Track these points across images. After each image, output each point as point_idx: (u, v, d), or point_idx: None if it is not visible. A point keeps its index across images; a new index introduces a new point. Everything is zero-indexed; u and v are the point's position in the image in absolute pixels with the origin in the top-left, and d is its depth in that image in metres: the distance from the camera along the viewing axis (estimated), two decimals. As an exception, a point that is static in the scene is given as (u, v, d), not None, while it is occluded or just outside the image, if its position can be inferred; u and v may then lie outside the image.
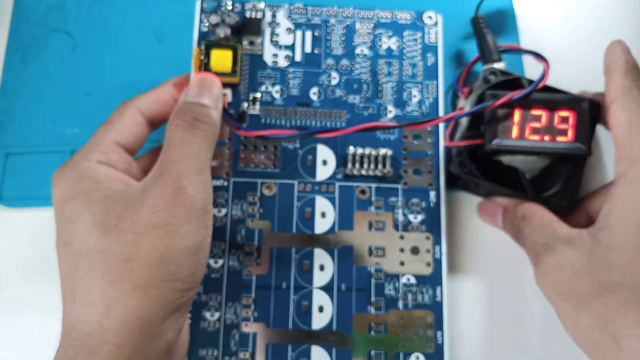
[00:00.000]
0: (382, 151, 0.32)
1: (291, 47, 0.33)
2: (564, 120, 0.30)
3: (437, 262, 0.31)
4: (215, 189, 0.31)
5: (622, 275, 0.26)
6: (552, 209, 0.30)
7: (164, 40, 0.36)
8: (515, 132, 0.30)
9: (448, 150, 0.32)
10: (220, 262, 0.31)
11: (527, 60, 0.37)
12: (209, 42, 0.31)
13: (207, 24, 0.33)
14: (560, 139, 0.30)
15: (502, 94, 0.30)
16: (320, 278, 0.31)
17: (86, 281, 0.24)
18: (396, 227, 0.32)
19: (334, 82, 0.33)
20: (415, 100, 0.33)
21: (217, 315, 0.30)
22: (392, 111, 0.33)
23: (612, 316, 0.25)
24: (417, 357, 0.30)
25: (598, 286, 0.26)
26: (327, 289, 0.31)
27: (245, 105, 0.32)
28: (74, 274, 0.24)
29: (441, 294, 0.31)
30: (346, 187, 0.32)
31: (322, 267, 0.31)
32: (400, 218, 0.32)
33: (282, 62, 0.33)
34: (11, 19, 0.36)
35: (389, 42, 0.34)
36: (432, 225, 0.32)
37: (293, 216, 0.31)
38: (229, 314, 0.30)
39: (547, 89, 0.31)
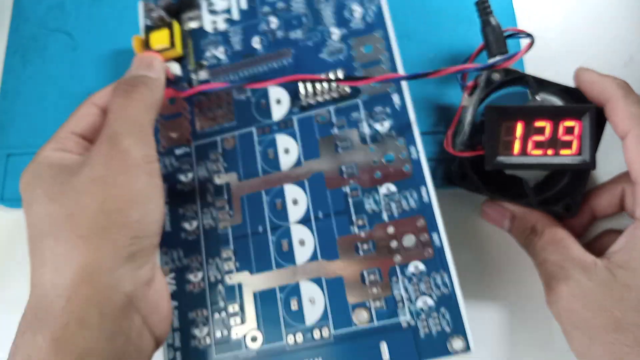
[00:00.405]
0: (333, 73, 0.30)
1: (227, 10, 0.34)
2: (569, 131, 0.28)
3: (416, 163, 0.28)
4: (180, 157, 0.31)
5: None
6: (556, 214, 0.29)
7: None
8: (517, 147, 0.28)
9: (447, 153, 0.30)
10: (195, 223, 0.30)
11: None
12: (147, 28, 0.32)
13: (147, 17, 0.34)
14: (564, 152, 0.28)
15: (505, 108, 0.28)
16: (296, 212, 0.29)
17: (40, 247, 0.25)
18: (363, 140, 0.29)
19: (273, 26, 0.33)
20: (357, 15, 0.32)
21: (200, 275, 0.29)
22: (336, 32, 0.32)
23: (626, 351, 0.25)
24: (416, 266, 0.27)
25: (613, 322, 0.25)
26: (304, 221, 0.29)
27: (193, 75, 0.33)
28: (34, 246, 0.25)
29: (427, 193, 0.28)
30: (305, 118, 0.30)
31: (295, 202, 0.29)
32: (367, 131, 0.29)
33: (222, 26, 0.33)
34: (11, 20, 0.37)
35: (319, -29, 0.33)
36: (401, 128, 0.29)
37: (257, 161, 0.30)
38: (212, 270, 0.29)
39: (546, 83, 0.29)
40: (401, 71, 0.30)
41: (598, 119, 0.28)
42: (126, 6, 0.37)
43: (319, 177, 0.29)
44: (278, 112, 0.31)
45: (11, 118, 0.35)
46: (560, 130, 0.28)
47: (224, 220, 0.30)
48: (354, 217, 0.28)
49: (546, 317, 0.29)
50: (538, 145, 0.28)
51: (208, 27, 0.34)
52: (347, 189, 0.29)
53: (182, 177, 0.31)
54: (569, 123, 0.28)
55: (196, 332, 0.28)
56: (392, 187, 0.28)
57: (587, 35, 0.37)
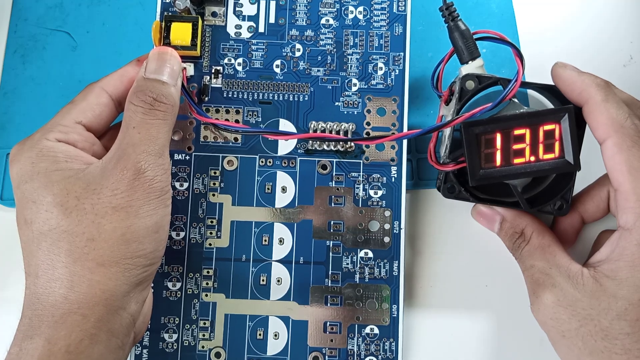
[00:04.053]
0: (345, 126, 0.32)
1: (255, 18, 0.33)
2: (549, 134, 0.28)
3: (396, 237, 0.32)
4: (177, 162, 0.32)
5: (629, 327, 0.26)
6: (548, 214, 0.30)
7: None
8: (499, 159, 0.28)
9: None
10: (182, 234, 0.31)
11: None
12: (169, 16, 0.31)
13: (172, 4, 0.32)
14: (547, 156, 0.28)
15: (480, 122, 0.27)
16: (280, 251, 0.32)
17: (50, 258, 0.25)
18: (356, 202, 0.32)
19: (297, 54, 0.33)
20: (380, 72, 0.33)
21: (178, 285, 0.31)
22: (356, 84, 0.33)
23: (616, 359, 0.26)
24: (372, 329, 0.31)
25: (601, 330, 0.26)
26: (285, 262, 0.31)
27: (207, 78, 0.32)
28: (37, 251, 0.26)
29: (398, 268, 0.32)
30: (307, 161, 0.32)
31: (281, 241, 0.32)
32: (361, 193, 0.32)
33: (245, 34, 0.33)
34: (10, 20, 0.36)
35: (355, 12, 0.33)
36: (392, 201, 0.32)
37: (254, 190, 0.32)
38: (190, 284, 0.31)
39: (523, 83, 0.30)
40: (405, 146, 0.32)
41: (577, 118, 0.28)
42: (126, 6, 0.37)
43: (308, 224, 0.32)
44: (284, 147, 0.32)
45: (11, 118, 0.35)
46: (540, 134, 0.28)
47: (211, 239, 0.31)
48: (330, 271, 0.31)
49: (535, 324, 0.29)
50: (519, 153, 0.28)
51: (230, 30, 0.33)
52: (330, 243, 0.32)
53: (177, 185, 0.32)
54: (548, 127, 0.28)
55: (165, 336, 0.31)
56: (370, 254, 0.32)
57: (587, 35, 0.37)
